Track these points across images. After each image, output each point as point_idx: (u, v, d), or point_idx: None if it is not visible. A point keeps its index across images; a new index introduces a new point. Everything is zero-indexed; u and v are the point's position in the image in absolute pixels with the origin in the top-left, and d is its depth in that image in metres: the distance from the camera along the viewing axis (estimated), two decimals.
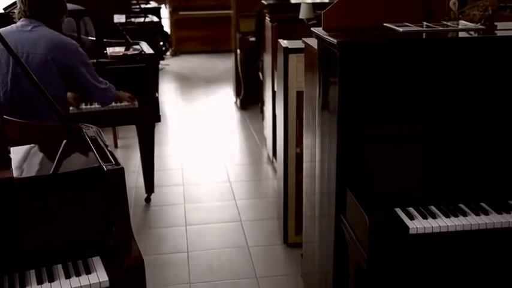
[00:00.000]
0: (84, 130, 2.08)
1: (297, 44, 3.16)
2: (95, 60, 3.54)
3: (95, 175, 1.75)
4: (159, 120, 3.66)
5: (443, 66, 2.07)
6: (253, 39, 5.91)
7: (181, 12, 9.32)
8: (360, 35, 2.13)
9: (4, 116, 2.25)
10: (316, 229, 2.56)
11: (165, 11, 9.41)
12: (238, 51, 6.17)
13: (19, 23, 2.92)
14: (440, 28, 2.21)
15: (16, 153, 1.89)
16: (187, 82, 7.85)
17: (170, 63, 8.81)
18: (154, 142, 3.95)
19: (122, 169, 1.74)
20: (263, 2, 4.89)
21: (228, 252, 3.34)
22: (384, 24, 2.33)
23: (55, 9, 2.97)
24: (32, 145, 2.00)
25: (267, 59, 4.72)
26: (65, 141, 2.01)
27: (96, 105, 3.48)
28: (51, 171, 1.78)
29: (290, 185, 3.29)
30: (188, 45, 9.46)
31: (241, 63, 6.17)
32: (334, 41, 1.95)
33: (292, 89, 3.10)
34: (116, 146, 5.15)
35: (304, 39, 2.63)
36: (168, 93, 7.01)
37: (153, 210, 3.90)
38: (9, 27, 2.95)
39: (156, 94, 3.68)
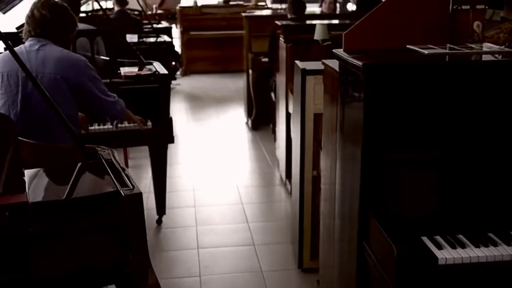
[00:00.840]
0: (99, 152, 2.02)
1: (314, 65, 3.12)
2: (108, 80, 3.51)
3: (111, 200, 1.69)
4: (172, 141, 3.61)
5: (470, 89, 2.00)
6: (265, 59, 5.88)
7: (192, 32, 9.34)
8: (385, 58, 2.07)
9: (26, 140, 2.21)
10: (335, 255, 2.48)
11: (175, 31, 9.44)
12: (250, 71, 6.14)
13: (27, 43, 2.87)
14: (466, 50, 2.16)
15: (30, 176, 1.84)
16: (198, 102, 7.82)
17: (181, 83, 8.80)
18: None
19: (140, 194, 1.68)
20: (277, 22, 4.86)
21: (241, 277, 3.25)
22: (407, 46, 2.27)
23: (62, 27, 2.92)
24: (46, 168, 1.95)
25: (281, 79, 4.68)
26: (79, 164, 1.96)
27: (108, 126, 3.44)
28: (66, 196, 1.71)
29: (306, 209, 3.22)
30: (199, 65, 9.46)
31: (253, 83, 6.14)
32: (359, 63, 1.89)
33: (310, 111, 3.04)
34: (126, 166, 5.10)
35: (324, 60, 2.58)
36: (178, 113, 6.97)
37: (164, 233, 3.83)
38: (18, 48, 2.91)
39: (170, 115, 3.62)
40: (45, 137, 2.65)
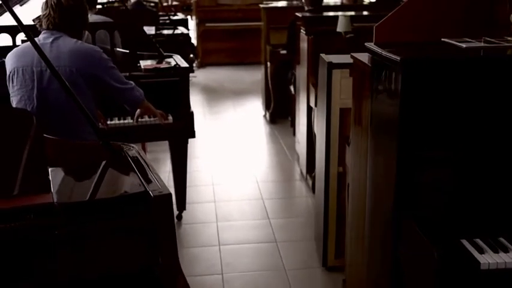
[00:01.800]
0: (124, 150, 1.95)
1: (340, 58, 3.03)
2: (127, 74, 3.44)
3: (140, 201, 1.62)
4: (193, 135, 3.54)
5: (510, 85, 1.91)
6: (284, 51, 5.78)
7: (207, 24, 9.26)
8: (422, 52, 1.98)
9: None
10: (364, 254, 2.40)
11: (191, 23, 9.36)
12: (269, 64, 6.05)
13: (40, 36, 2.79)
14: (505, 44, 2.06)
15: (54, 175, 1.78)
16: (215, 94, 7.75)
17: (197, 75, 8.73)
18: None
19: (170, 195, 1.61)
20: (297, 14, 4.76)
21: (264, 275, 3.19)
22: (442, 39, 2.18)
23: (83, 20, 2.87)
24: (71, 166, 1.89)
25: (301, 72, 4.58)
26: (104, 162, 1.89)
27: (128, 120, 3.37)
28: (93, 197, 1.65)
29: (331, 206, 3.14)
30: (214, 57, 9.38)
31: (271, 76, 6.05)
32: (397, 58, 1.80)
33: (336, 105, 2.96)
34: None
35: (353, 54, 2.49)
36: (195, 106, 6.85)
37: (184, 229, 3.77)
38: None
39: (191, 109, 3.55)
40: (63, 133, 2.59)
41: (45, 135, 2.13)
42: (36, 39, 2.81)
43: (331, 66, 2.92)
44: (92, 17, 4.37)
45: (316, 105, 3.78)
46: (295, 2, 8.92)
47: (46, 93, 2.71)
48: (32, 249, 1.53)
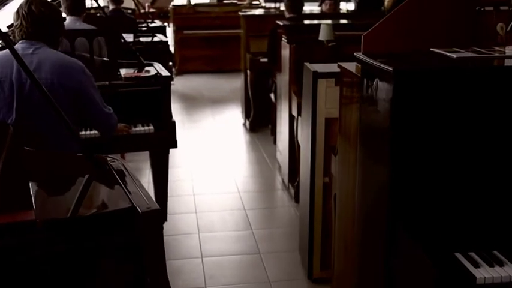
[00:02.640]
0: (109, 162, 1.88)
1: (325, 67, 3.00)
2: (107, 82, 3.37)
3: (127, 217, 1.55)
4: (175, 145, 3.46)
5: (505, 96, 1.89)
6: (264, 60, 5.75)
7: (185, 31, 9.19)
8: (414, 62, 1.95)
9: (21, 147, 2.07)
10: (354, 267, 2.36)
11: (168, 30, 9.28)
12: (249, 72, 6.01)
13: (19, 46, 2.68)
14: (495, 54, 2.05)
15: (36, 189, 1.70)
16: (193, 102, 7.68)
17: (175, 83, 8.64)
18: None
19: (159, 211, 1.54)
20: (278, 22, 4.73)
21: (249, 287, 3.13)
22: (431, 49, 2.16)
23: (57, 27, 2.76)
24: (53, 180, 1.81)
25: (282, 80, 4.55)
26: (87, 175, 1.82)
27: None
28: (77, 213, 1.58)
29: (316, 216, 3.10)
30: (192, 65, 9.31)
31: (251, 84, 6.01)
32: (390, 68, 1.77)
33: (321, 115, 2.92)
34: None
35: (340, 63, 2.46)
36: (174, 114, 6.73)
37: (166, 240, 3.62)
38: (8, 50, 2.74)
39: (172, 118, 3.48)
40: (44, 146, 2.51)
41: (25, 147, 2.06)
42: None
43: (317, 75, 2.89)
44: (80, 25, 4.27)
45: (299, 114, 3.74)
46: (272, 10, 8.94)
47: (26, 106, 2.61)
48: (12, 269, 1.45)
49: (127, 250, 1.56)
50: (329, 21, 4.57)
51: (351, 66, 2.33)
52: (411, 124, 1.83)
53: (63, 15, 4.44)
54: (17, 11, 2.70)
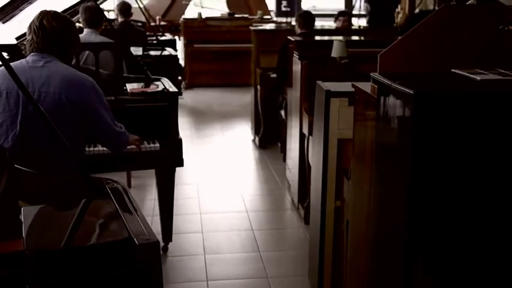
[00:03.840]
0: (107, 187, 1.77)
1: (338, 86, 2.88)
2: (113, 98, 3.27)
3: (123, 249, 1.44)
4: (181, 164, 3.34)
5: None
6: (274, 75, 5.64)
7: (196, 45, 9.12)
8: (435, 84, 1.83)
9: (15, 165, 1.96)
10: None
11: (179, 43, 9.22)
12: (259, 87, 5.90)
13: (30, 58, 2.62)
14: None
15: (27, 215, 1.59)
16: (202, 117, 7.58)
17: (184, 97, 8.56)
18: None
19: (157, 243, 1.43)
20: (289, 38, 4.63)
21: None
22: (452, 70, 2.04)
23: (69, 42, 2.69)
24: (46, 205, 1.70)
25: (293, 97, 4.43)
26: (84, 200, 1.71)
27: None
28: (69, 243, 1.46)
29: (327, 241, 2.96)
30: (202, 79, 9.23)
31: (261, 100, 5.90)
32: (410, 91, 1.64)
33: (333, 136, 2.79)
34: (129, 186, 4.84)
35: (354, 83, 2.34)
36: (182, 129, 6.64)
37: (170, 261, 3.57)
38: (19, 62, 2.66)
39: (179, 136, 3.37)
40: (45, 164, 2.41)
41: (22, 168, 1.96)
42: (24, 60, 2.64)
43: (329, 94, 2.76)
44: (96, 38, 4.20)
45: (310, 134, 3.62)
46: (284, 25, 8.86)
47: (31, 120, 2.52)
48: None
49: (124, 283, 1.44)
50: (341, 38, 4.45)
51: (366, 86, 2.21)
52: (432, 150, 1.70)
53: (80, 25, 4.40)
54: (29, 26, 2.63)
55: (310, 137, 3.69)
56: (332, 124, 2.78)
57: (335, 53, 3.95)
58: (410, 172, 1.72)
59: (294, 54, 4.30)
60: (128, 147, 2.96)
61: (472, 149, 1.70)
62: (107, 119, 2.69)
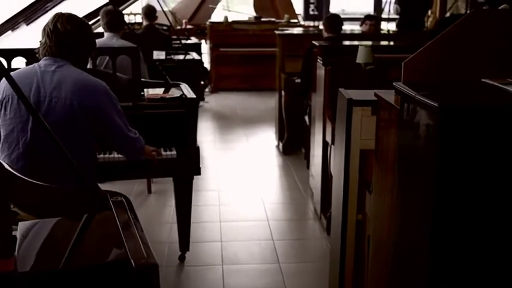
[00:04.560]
0: (110, 201, 1.68)
1: (361, 94, 2.75)
2: (130, 103, 3.20)
3: (120, 270, 1.34)
4: (198, 173, 3.25)
5: None
6: (298, 80, 5.52)
7: (221, 49, 9.05)
8: (463, 96, 1.69)
9: (17, 175, 1.89)
10: None
11: (205, 47, 9.17)
12: (283, 92, 5.79)
13: (42, 62, 2.56)
14: None
15: (23, 230, 1.50)
16: (226, 121, 7.50)
17: (209, 101, 8.50)
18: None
19: (156, 266, 1.32)
20: (314, 42, 4.50)
21: None
22: (483, 80, 1.89)
23: (84, 46, 2.61)
24: (45, 220, 1.61)
25: (317, 104, 4.30)
26: (85, 216, 1.61)
27: None
28: (64, 264, 1.37)
29: (348, 255, 2.83)
30: (228, 82, 9.17)
31: (285, 105, 5.78)
32: (435, 104, 1.51)
33: (356, 146, 2.66)
34: (149, 192, 4.78)
35: (377, 92, 2.21)
36: (205, 133, 6.64)
37: (187, 272, 3.47)
38: (31, 66, 2.60)
39: (197, 143, 3.28)
40: (57, 171, 2.33)
41: (22, 176, 1.88)
42: (36, 65, 2.58)
43: (351, 103, 2.63)
44: (117, 42, 4.16)
45: (333, 143, 3.49)
46: (311, 29, 8.73)
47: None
48: None
49: None
50: (368, 43, 4.31)
51: (390, 95, 2.08)
52: (458, 164, 1.57)
53: (101, 30, 4.35)
54: (44, 28, 2.58)
55: (333, 145, 3.56)
56: (354, 134, 2.65)
57: (360, 58, 3.81)
58: (435, 186, 1.59)
59: (318, 60, 4.18)
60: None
61: (501, 162, 1.56)
62: (119, 125, 2.62)
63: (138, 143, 2.72)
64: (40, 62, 2.57)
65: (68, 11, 2.65)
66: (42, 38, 2.58)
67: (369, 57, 3.80)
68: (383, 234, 2.17)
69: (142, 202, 4.60)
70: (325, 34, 5.32)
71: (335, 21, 5.39)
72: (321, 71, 4.10)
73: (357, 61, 3.83)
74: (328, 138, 3.86)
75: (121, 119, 2.61)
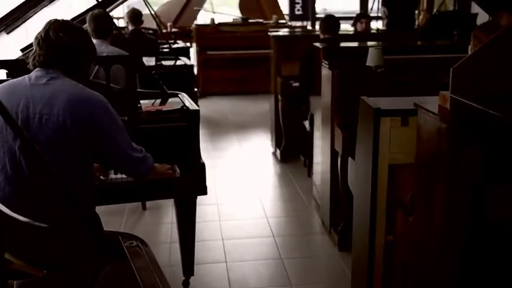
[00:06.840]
0: (124, 246, 1.39)
1: (388, 103, 2.49)
2: (126, 118, 2.89)
3: None
4: (205, 192, 2.96)
5: None
6: (296, 84, 5.26)
7: (209, 52, 8.76)
8: None
9: (11, 215, 1.59)
10: None
11: (191, 50, 8.86)
12: (280, 97, 5.52)
13: (33, 74, 2.25)
14: None
15: None
16: (218, 127, 7.21)
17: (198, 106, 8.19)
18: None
19: None
20: (316, 44, 4.24)
21: None
22: None
23: (81, 55, 2.31)
24: (44, 276, 1.32)
25: (321, 110, 4.04)
26: (92, 269, 1.32)
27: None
28: None
29: (376, 279, 2.57)
30: (216, 87, 8.90)
31: (282, 111, 5.51)
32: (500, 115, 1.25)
33: (384, 161, 2.40)
34: (143, 208, 4.47)
35: (416, 102, 1.95)
36: None
37: None
38: (21, 79, 2.29)
39: (201, 159, 2.99)
40: (50, 196, 2.02)
41: (19, 216, 1.59)
42: (27, 77, 2.27)
43: (379, 113, 2.36)
44: (107, 49, 3.85)
45: (349, 155, 3.24)
46: (298, 29, 8.48)
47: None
48: None
49: None
50: (377, 43, 4.06)
51: (432, 104, 1.83)
52: None
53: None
54: (35, 37, 2.26)
55: (350, 158, 3.29)
56: (382, 148, 2.38)
57: (371, 61, 3.55)
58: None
59: (323, 64, 3.91)
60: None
61: None
62: (120, 144, 2.32)
63: (143, 162, 2.42)
64: (31, 74, 2.27)
65: (53, 17, 2.35)
66: (33, 47, 2.28)
67: (379, 60, 3.54)
68: (431, 261, 1.91)
69: (137, 220, 4.29)
70: (321, 36, 5.09)
71: (331, 22, 5.16)
72: (326, 76, 3.83)
73: (367, 64, 3.58)
74: (338, 148, 3.59)
75: (122, 137, 2.32)
